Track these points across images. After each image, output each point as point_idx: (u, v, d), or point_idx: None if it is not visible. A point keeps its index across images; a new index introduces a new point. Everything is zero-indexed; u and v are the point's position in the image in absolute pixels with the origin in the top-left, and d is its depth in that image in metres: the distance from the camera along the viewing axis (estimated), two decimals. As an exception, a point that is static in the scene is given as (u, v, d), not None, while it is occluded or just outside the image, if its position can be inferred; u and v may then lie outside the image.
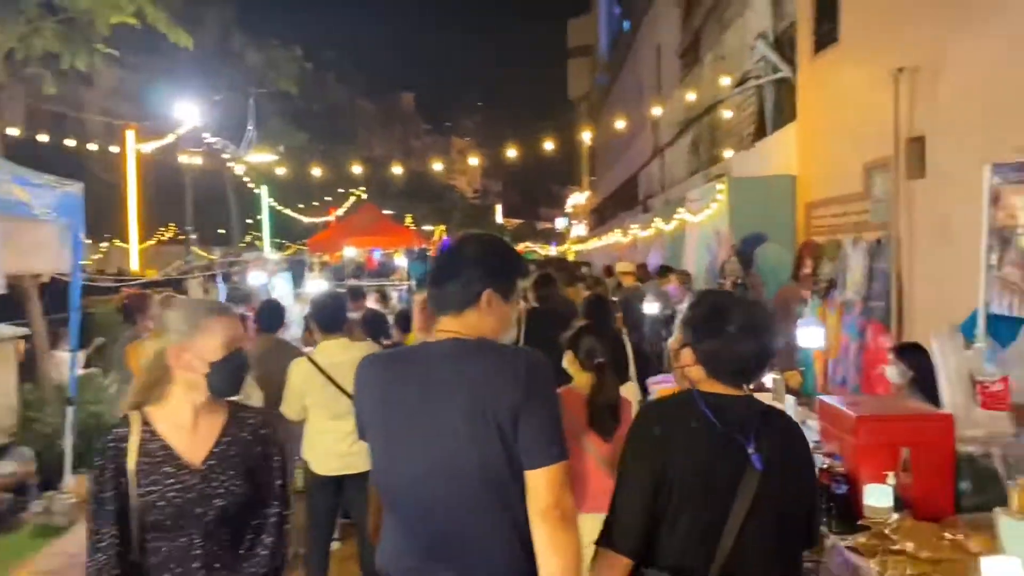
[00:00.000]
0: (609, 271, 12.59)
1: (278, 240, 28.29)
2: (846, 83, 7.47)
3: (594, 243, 31.92)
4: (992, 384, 3.31)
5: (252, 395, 5.02)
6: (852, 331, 7.16)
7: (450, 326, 2.08)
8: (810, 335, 4.75)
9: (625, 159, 27.14)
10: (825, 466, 3.11)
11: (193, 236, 19.59)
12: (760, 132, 10.89)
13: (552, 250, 70.30)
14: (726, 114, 12.76)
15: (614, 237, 22.47)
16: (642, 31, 24.34)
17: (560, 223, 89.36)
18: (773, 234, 8.71)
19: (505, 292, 2.11)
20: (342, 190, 27.32)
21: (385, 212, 29.12)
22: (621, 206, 27.30)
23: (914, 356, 4.73)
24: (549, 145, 15.28)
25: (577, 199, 60.91)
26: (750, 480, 1.97)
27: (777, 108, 10.48)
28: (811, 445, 2.28)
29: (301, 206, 23.66)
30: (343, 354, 4.63)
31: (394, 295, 14.20)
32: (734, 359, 2.06)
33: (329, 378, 4.61)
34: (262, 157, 14.30)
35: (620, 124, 15.59)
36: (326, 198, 27.39)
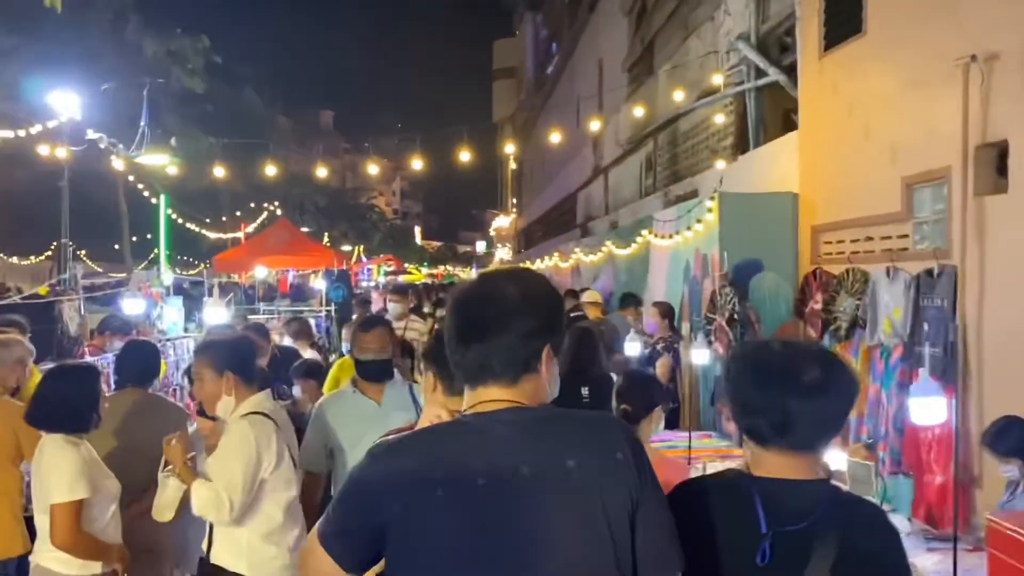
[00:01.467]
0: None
1: (186, 258, 25.88)
2: (874, 82, 6.21)
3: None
4: None
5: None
6: (887, 382, 5.85)
7: (499, 396, 1.53)
8: (927, 408, 3.28)
9: (558, 181, 25.99)
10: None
11: (76, 250, 17.14)
12: (740, 145, 9.65)
13: (473, 274, 69.01)
14: (692, 128, 11.56)
15: (551, 261, 21.18)
16: (580, 47, 23.30)
17: (480, 246, 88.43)
18: (768, 261, 7.41)
19: (558, 347, 1.62)
20: (253, 205, 25.14)
21: (307, 230, 27.10)
22: (554, 230, 26.11)
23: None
24: (471, 167, 13.96)
25: (501, 222, 59.75)
26: None
27: (760, 118, 9.26)
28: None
29: (208, 220, 21.45)
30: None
31: (311, 323, 12.40)
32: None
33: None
34: (156, 158, 12.27)
35: (552, 144, 14.30)
36: (237, 213, 25.11)
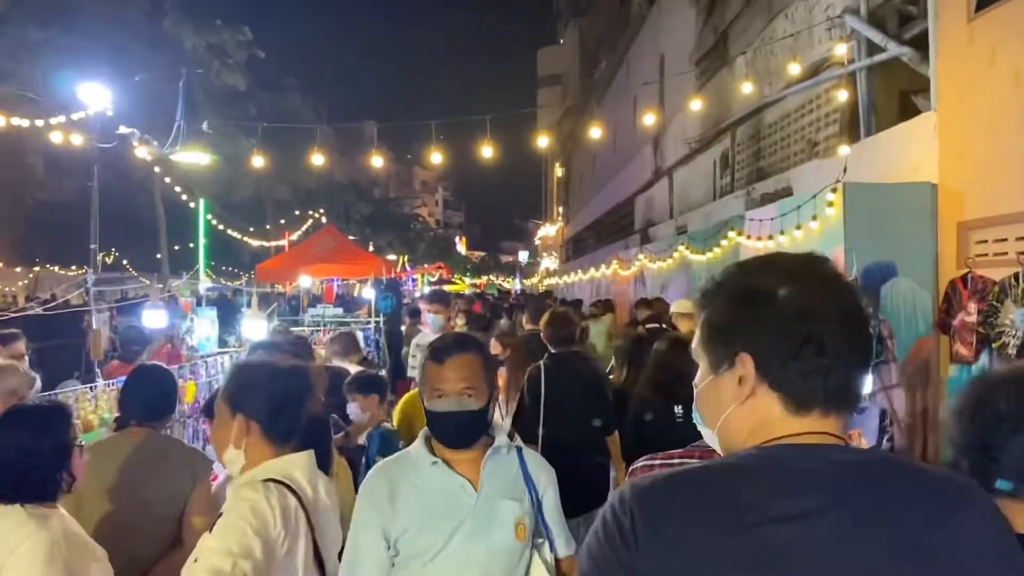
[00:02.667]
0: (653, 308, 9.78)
1: (229, 268, 25.18)
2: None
3: (573, 276, 29.56)
4: None
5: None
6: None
7: (818, 428, 1.18)
8: None
9: (612, 186, 24.85)
10: None
11: (120, 259, 16.54)
12: (849, 133, 8.44)
13: (516, 284, 68.25)
14: (781, 118, 10.37)
15: (607, 269, 20.04)
16: (636, 45, 22.18)
17: (523, 256, 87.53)
18: (902, 264, 6.22)
19: None
20: (298, 212, 24.32)
21: (352, 238, 26.30)
22: (608, 236, 24.95)
23: None
24: (514, 176, 12.94)
25: (546, 231, 58.74)
26: None
27: (871, 102, 8.05)
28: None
29: (252, 229, 20.64)
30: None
31: (360, 336, 11.43)
32: None
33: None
34: (192, 156, 11.34)
35: (604, 149, 13.23)
36: (281, 221, 24.30)
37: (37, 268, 29.83)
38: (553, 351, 5.29)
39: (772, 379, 1.18)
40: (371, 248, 31.24)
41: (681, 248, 11.98)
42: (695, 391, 1.35)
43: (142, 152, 9.65)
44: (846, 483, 1.11)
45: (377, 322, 11.64)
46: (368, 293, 12.71)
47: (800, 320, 1.17)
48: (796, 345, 1.16)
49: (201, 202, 11.22)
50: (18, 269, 29.96)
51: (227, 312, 14.27)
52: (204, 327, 8.02)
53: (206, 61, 17.66)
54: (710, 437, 1.31)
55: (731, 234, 9.20)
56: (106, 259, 16.34)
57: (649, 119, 13.06)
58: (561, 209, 50.47)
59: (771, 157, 10.69)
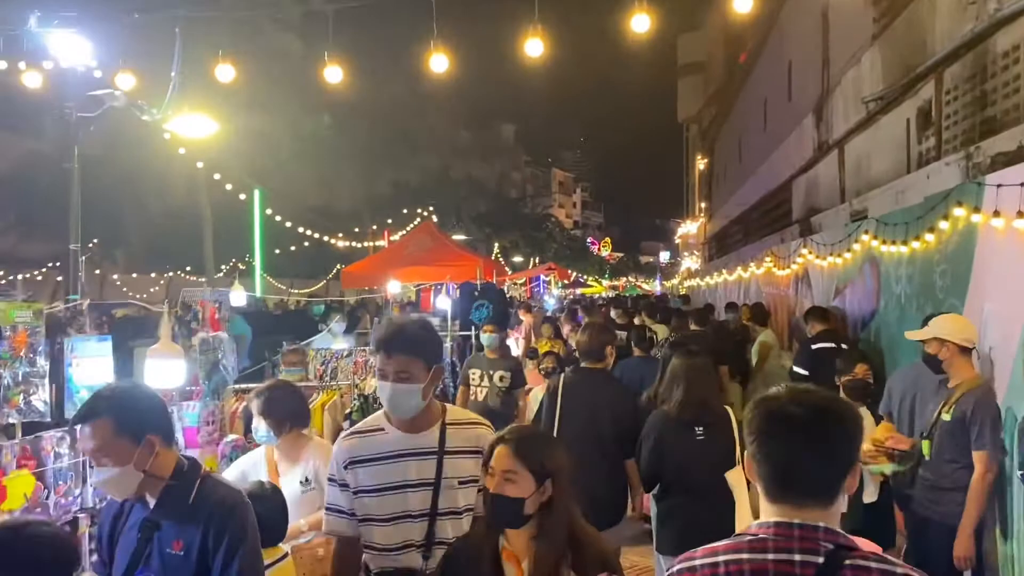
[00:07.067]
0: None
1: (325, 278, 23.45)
2: None
3: (717, 277, 26.27)
4: None
5: None
6: None
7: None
8: None
9: (763, 172, 21.50)
10: None
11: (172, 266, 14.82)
12: None
13: (656, 286, 64.77)
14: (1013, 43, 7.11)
15: (758, 269, 16.91)
16: (789, 6, 18.81)
17: (664, 256, 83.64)
18: None
19: None
20: (406, 211, 22.21)
21: (462, 238, 24.13)
22: (758, 230, 21.63)
23: None
24: (655, 174, 10.23)
25: (687, 229, 55.03)
26: None
27: None
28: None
29: (337, 231, 18.67)
30: None
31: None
32: None
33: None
34: (192, 122, 9.00)
35: (753, 130, 10.21)
36: (389, 220, 22.24)
37: (169, 274, 29.41)
38: (582, 364, 5.33)
39: None
40: (495, 248, 28.96)
41: (865, 238, 8.87)
42: None
43: (142, 113, 7.59)
44: None
45: (461, 336, 9.19)
46: (443, 302, 10.19)
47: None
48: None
49: (256, 193, 9.16)
50: (152, 275, 29.65)
51: (301, 322, 12.29)
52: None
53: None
54: None
55: (958, 212, 6.11)
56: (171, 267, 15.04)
57: (808, 88, 10.06)
58: (703, 204, 46.84)
59: (1006, 101, 7.42)
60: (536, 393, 7.40)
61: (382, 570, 2.82)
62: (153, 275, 26.33)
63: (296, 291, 20.27)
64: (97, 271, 23.39)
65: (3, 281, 23.75)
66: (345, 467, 2.89)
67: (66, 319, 7.06)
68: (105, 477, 2.49)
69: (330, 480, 2.94)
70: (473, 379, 7.43)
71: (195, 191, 17.07)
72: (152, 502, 2.55)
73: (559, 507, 2.50)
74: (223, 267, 22.22)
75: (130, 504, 2.60)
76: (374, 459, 2.87)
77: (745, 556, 1.66)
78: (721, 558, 1.69)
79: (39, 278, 20.82)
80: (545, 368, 7.65)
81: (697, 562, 1.72)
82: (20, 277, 19.66)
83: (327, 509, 2.96)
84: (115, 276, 25.30)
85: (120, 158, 16.57)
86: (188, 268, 25.34)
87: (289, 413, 3.90)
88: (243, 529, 2.51)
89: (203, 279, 21.76)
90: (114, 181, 17.41)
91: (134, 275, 26.15)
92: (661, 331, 11.58)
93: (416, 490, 2.82)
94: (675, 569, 1.78)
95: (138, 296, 23.50)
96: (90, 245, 23.42)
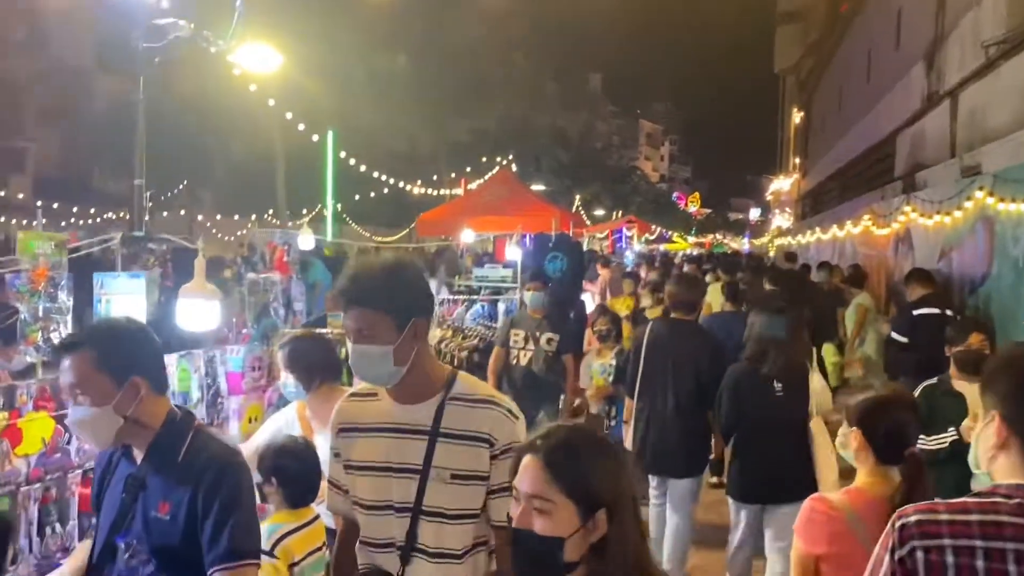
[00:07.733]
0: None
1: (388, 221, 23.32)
2: None
3: (809, 236, 25.15)
4: None
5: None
6: None
7: None
8: None
9: (864, 124, 20.26)
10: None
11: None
12: None
13: (744, 243, 62.84)
14: None
15: (855, 228, 15.98)
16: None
17: (754, 213, 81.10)
18: None
19: None
20: (485, 159, 21.80)
21: (541, 188, 23.63)
22: (856, 187, 20.46)
23: None
24: (748, 127, 9.52)
25: (779, 185, 52.98)
26: None
27: None
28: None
29: (420, 182, 18.40)
30: None
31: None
32: None
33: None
34: (253, 49, 8.57)
35: (855, 81, 9.28)
36: (466, 169, 21.95)
37: (254, 218, 29.56)
38: (671, 315, 5.44)
39: None
40: (577, 201, 28.35)
41: (979, 195, 8.07)
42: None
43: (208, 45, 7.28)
44: None
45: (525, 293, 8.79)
46: (513, 252, 9.79)
47: None
48: None
49: (330, 135, 8.91)
50: (236, 217, 29.83)
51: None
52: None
53: None
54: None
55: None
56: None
57: (919, 32, 9.09)
58: (798, 160, 44.90)
59: None
60: (589, 359, 6.82)
61: (363, 567, 2.37)
62: (236, 218, 26.74)
63: (377, 239, 20.25)
64: (183, 212, 23.95)
65: (99, 219, 24.61)
66: (338, 433, 2.44)
67: (130, 255, 7.02)
68: (80, 416, 2.19)
69: (332, 448, 2.50)
70: (516, 341, 6.60)
71: (271, 133, 17.14)
72: (140, 456, 2.28)
73: (616, 551, 1.72)
74: (304, 211, 22.42)
75: (118, 456, 2.34)
76: (362, 429, 2.38)
77: (1006, 519, 1.58)
78: (975, 517, 1.61)
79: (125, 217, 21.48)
80: (599, 331, 6.96)
81: (943, 516, 1.63)
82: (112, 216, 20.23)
83: (328, 481, 2.52)
84: (200, 216, 25.84)
85: (204, 103, 16.73)
86: (271, 211, 25.71)
87: (317, 366, 3.56)
88: (237, 492, 2.19)
89: (288, 223, 21.97)
90: (199, 126, 17.62)
91: (218, 216, 26.64)
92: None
93: (400, 476, 2.29)
94: (912, 519, 1.66)
95: (227, 239, 23.96)
96: (179, 188, 23.96)
